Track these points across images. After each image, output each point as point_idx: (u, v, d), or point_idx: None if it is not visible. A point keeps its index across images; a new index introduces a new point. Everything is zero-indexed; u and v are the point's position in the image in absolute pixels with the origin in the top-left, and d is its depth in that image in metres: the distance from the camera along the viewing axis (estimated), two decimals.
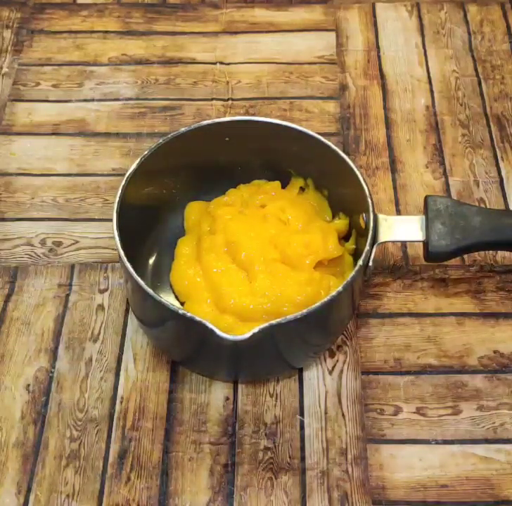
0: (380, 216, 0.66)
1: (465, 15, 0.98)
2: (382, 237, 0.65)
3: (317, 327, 0.64)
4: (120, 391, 0.67)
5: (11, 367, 0.69)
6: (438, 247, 0.66)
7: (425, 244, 0.67)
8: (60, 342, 0.70)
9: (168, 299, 0.68)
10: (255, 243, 0.68)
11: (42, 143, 0.86)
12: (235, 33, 0.97)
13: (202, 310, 0.66)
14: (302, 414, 0.66)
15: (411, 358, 0.69)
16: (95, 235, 0.78)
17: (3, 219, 0.79)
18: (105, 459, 0.64)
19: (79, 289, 0.74)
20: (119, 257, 0.62)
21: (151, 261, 0.73)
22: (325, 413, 0.66)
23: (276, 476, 0.63)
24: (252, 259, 0.67)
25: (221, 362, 0.66)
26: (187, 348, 0.66)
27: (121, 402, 0.67)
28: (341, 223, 0.72)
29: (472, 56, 0.94)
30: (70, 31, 0.97)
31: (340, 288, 0.60)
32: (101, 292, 0.74)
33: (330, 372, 0.69)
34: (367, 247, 0.63)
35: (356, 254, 0.70)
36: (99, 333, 0.71)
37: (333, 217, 0.73)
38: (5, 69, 0.92)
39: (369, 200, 0.65)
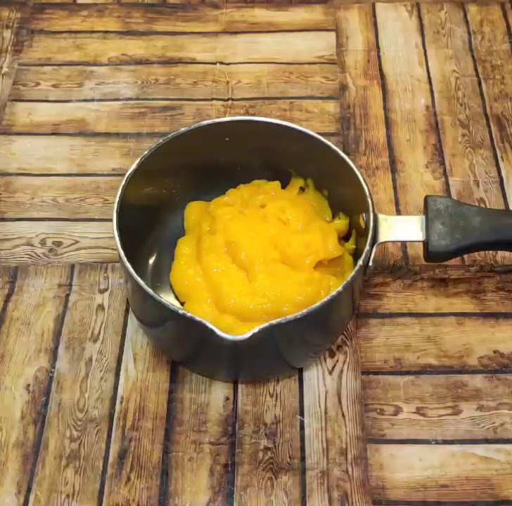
0: (380, 216, 0.66)
1: (465, 15, 0.98)
2: (382, 237, 0.65)
3: (317, 327, 0.64)
4: (120, 391, 0.67)
5: (11, 367, 0.69)
6: (438, 247, 0.66)
7: (425, 244, 0.67)
8: (60, 342, 0.70)
9: (168, 299, 0.68)
10: (255, 243, 0.68)
11: (42, 143, 0.86)
12: (235, 33, 0.97)
13: (202, 310, 0.66)
14: (302, 414, 0.66)
15: (411, 358, 0.69)
16: (95, 235, 0.78)
17: (3, 219, 0.79)
18: (105, 459, 0.64)
19: (79, 289, 0.74)
20: (119, 257, 0.62)
21: (151, 261, 0.73)
22: (325, 413, 0.66)
23: (276, 476, 0.63)
24: (252, 259, 0.67)
25: (221, 362, 0.66)
26: (187, 348, 0.66)
27: (121, 402, 0.67)
28: (341, 223, 0.72)
29: (472, 56, 0.94)
30: (70, 31, 0.97)
31: (340, 288, 0.60)
32: (101, 292, 0.74)
33: (330, 372, 0.69)
34: (367, 247, 0.63)
35: (356, 254, 0.70)
36: (99, 333, 0.71)
37: (333, 217, 0.73)
38: (5, 69, 0.92)
39: (369, 200, 0.65)
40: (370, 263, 0.63)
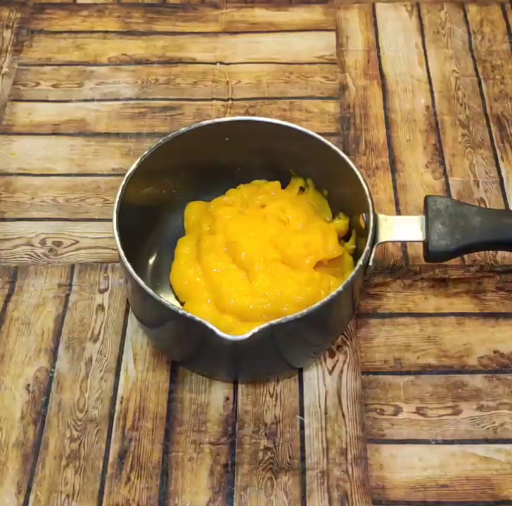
0: (380, 216, 0.66)
1: (465, 15, 0.98)
2: (382, 237, 0.65)
3: (317, 327, 0.64)
4: (120, 391, 0.67)
5: (11, 367, 0.69)
6: (438, 247, 0.66)
7: (425, 244, 0.67)
8: (60, 342, 0.70)
9: (168, 299, 0.68)
10: (255, 243, 0.68)
11: (42, 143, 0.86)
12: (235, 33, 0.97)
13: (202, 310, 0.66)
14: (302, 414, 0.66)
15: (411, 358, 0.69)
16: (95, 235, 0.78)
17: (3, 219, 0.79)
18: (105, 459, 0.64)
19: (79, 289, 0.74)
20: (119, 257, 0.62)
21: (151, 261, 0.73)
22: (325, 413, 0.66)
23: (276, 476, 0.63)
24: (252, 259, 0.67)
25: (221, 362, 0.66)
26: (187, 348, 0.66)
27: (121, 402, 0.67)
28: (341, 223, 0.72)
29: (472, 56, 0.94)
30: (70, 31, 0.97)
31: (340, 288, 0.60)
32: (101, 291, 0.74)
33: (330, 372, 0.69)
34: (367, 247, 0.63)
35: (356, 254, 0.70)
36: (99, 333, 0.71)
37: (333, 217, 0.73)
38: (5, 69, 0.92)
39: (369, 200, 0.65)
40: (370, 263, 0.63)
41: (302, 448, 0.64)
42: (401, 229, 0.67)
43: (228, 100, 0.89)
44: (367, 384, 0.68)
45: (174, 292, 0.70)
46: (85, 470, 0.63)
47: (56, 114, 0.88)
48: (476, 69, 0.92)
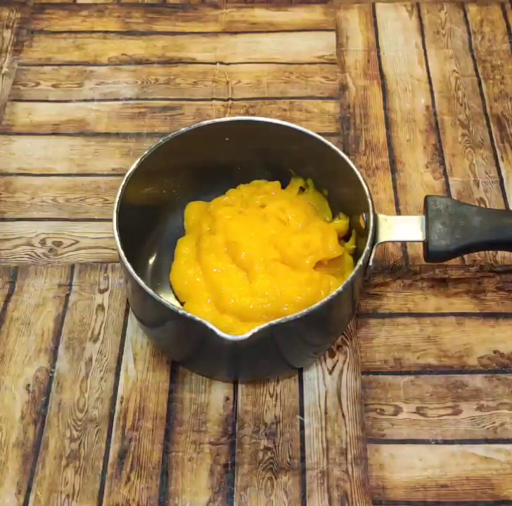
0: (380, 216, 0.66)
1: (465, 15, 0.98)
2: (382, 237, 0.65)
3: (317, 327, 0.64)
4: (120, 391, 0.67)
5: (11, 367, 0.69)
6: (438, 247, 0.66)
7: (425, 244, 0.67)
8: (60, 342, 0.70)
9: (168, 299, 0.68)
10: (255, 243, 0.68)
11: (42, 143, 0.86)
12: (235, 33, 0.97)
13: (202, 310, 0.66)
14: (302, 414, 0.66)
15: (411, 358, 0.69)
16: (95, 235, 0.78)
17: (3, 219, 0.79)
18: (105, 459, 0.64)
19: (79, 289, 0.74)
20: (119, 257, 0.62)
21: (151, 261, 0.73)
22: (325, 413, 0.66)
23: (276, 476, 0.63)
24: (252, 259, 0.67)
25: (221, 362, 0.66)
26: (187, 348, 0.66)
27: (121, 402, 0.67)
28: (341, 223, 0.72)
29: (472, 56, 0.94)
30: (70, 31, 0.97)
31: (340, 288, 0.60)
32: (101, 291, 0.74)
33: (330, 372, 0.69)
34: (367, 247, 0.63)
35: (356, 254, 0.70)
36: (99, 333, 0.71)
37: (333, 217, 0.73)
38: (5, 69, 0.92)
39: (369, 200, 0.65)
40: (371, 263, 0.63)
41: (302, 448, 0.64)
42: (401, 229, 0.67)
43: (228, 100, 0.89)
44: (367, 384, 0.68)
45: (174, 292, 0.70)
46: (85, 470, 0.63)
47: (56, 114, 0.88)
48: (476, 69, 0.92)
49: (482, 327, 0.71)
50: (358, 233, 0.70)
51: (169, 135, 0.69)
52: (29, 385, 0.68)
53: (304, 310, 0.58)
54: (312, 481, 0.63)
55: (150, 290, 0.59)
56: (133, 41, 0.96)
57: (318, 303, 0.59)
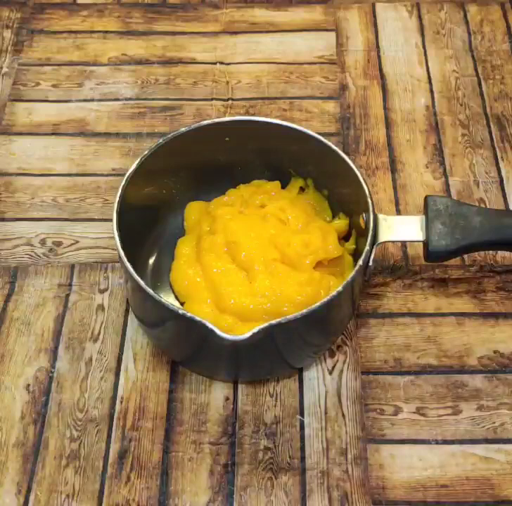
0: (380, 216, 0.66)
1: (465, 15, 0.98)
2: (382, 237, 0.65)
3: (317, 327, 0.64)
4: (120, 391, 0.67)
5: (11, 367, 0.69)
6: (438, 247, 0.66)
7: (425, 244, 0.67)
8: (60, 342, 0.70)
9: (168, 299, 0.68)
10: (255, 243, 0.68)
11: (42, 143, 0.86)
12: (235, 33, 0.97)
13: (202, 311, 0.66)
14: (302, 414, 0.66)
15: (411, 358, 0.69)
16: (95, 235, 0.78)
17: (3, 219, 0.79)
18: (105, 459, 0.64)
19: (79, 289, 0.74)
20: (119, 257, 0.62)
21: (151, 261, 0.73)
22: (325, 413, 0.66)
23: (276, 476, 0.63)
24: (252, 259, 0.67)
25: (221, 362, 0.66)
26: (187, 348, 0.66)
27: (121, 402, 0.67)
28: (341, 223, 0.72)
29: (472, 56, 0.94)
30: (70, 31, 0.97)
31: (340, 288, 0.60)
32: (101, 291, 0.74)
33: (330, 372, 0.69)
34: (367, 247, 0.63)
35: (356, 254, 0.70)
36: (99, 333, 0.71)
37: (333, 217, 0.73)
38: (5, 69, 0.92)
39: (369, 200, 0.65)
40: (371, 263, 0.63)
41: (302, 448, 0.64)
42: (401, 229, 0.67)
43: (228, 100, 0.89)
44: (367, 384, 0.68)
45: (174, 292, 0.70)
46: (85, 470, 0.63)
47: (56, 114, 0.88)
48: (476, 69, 0.92)
49: (482, 327, 0.71)
50: (358, 233, 0.70)
51: (169, 135, 0.69)
52: (29, 385, 0.68)
53: (304, 311, 0.58)
54: (312, 481, 0.63)
55: (150, 290, 0.59)
56: (133, 41, 0.96)
57: (318, 303, 0.59)
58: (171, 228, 0.74)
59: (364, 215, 0.66)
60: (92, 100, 0.90)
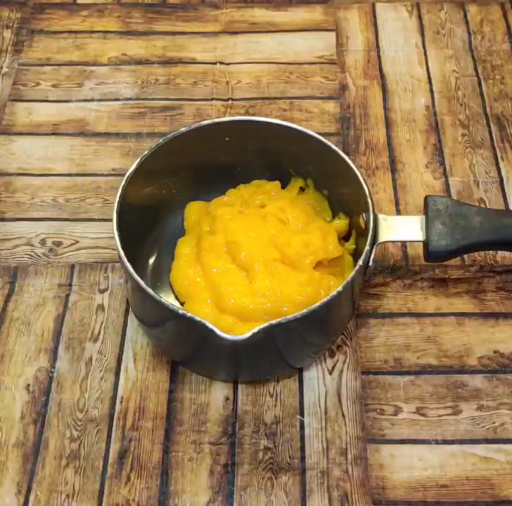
0: (380, 216, 0.66)
1: (465, 15, 0.98)
2: (382, 237, 0.65)
3: (317, 327, 0.64)
4: (120, 391, 0.67)
5: (11, 367, 0.69)
6: (438, 247, 0.66)
7: (425, 244, 0.67)
8: (60, 342, 0.70)
9: (168, 299, 0.68)
10: (255, 243, 0.68)
11: (42, 143, 0.86)
12: (235, 33, 0.97)
13: (202, 311, 0.66)
14: (302, 414, 0.66)
15: (411, 358, 0.69)
16: (95, 235, 0.78)
17: (3, 219, 0.79)
18: (105, 459, 0.64)
19: (79, 289, 0.74)
20: (119, 257, 0.62)
21: (151, 261, 0.73)
22: (325, 413, 0.66)
23: (276, 476, 0.63)
24: (252, 259, 0.67)
25: (221, 362, 0.66)
26: (187, 348, 0.66)
27: (121, 402, 0.67)
28: (341, 223, 0.72)
29: (472, 56, 0.94)
30: (70, 31, 0.97)
31: (339, 288, 0.60)
32: (101, 291, 0.74)
33: (330, 372, 0.69)
34: (367, 247, 0.63)
35: (356, 254, 0.70)
36: (99, 333, 0.71)
37: (333, 217, 0.73)
38: (5, 69, 0.92)
39: (369, 200, 0.65)
40: (371, 263, 0.63)
41: (302, 448, 0.64)
42: (401, 229, 0.67)
43: (228, 100, 0.89)
44: (367, 384, 0.68)
45: (174, 292, 0.70)
46: (85, 470, 0.63)
47: (56, 114, 0.88)
48: (476, 69, 0.92)
49: (482, 327, 0.71)
50: (358, 233, 0.70)
51: (169, 135, 0.69)
52: (29, 385, 0.68)
53: (304, 311, 0.58)
54: (312, 481, 0.63)
55: (150, 290, 0.59)
56: (133, 41, 0.96)
57: (318, 303, 0.59)
58: (171, 228, 0.74)
59: (364, 215, 0.66)
60: (92, 100, 0.90)
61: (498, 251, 0.76)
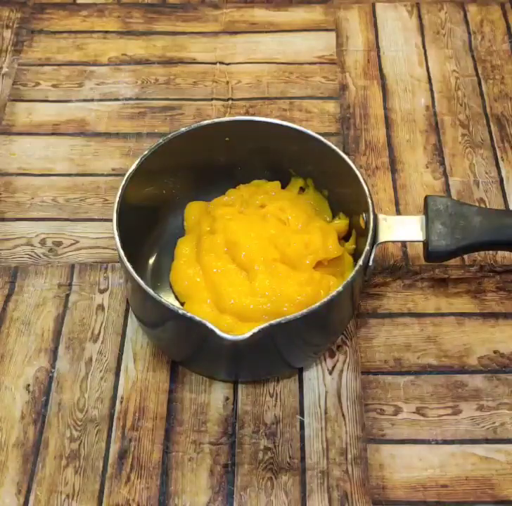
0: (380, 216, 0.66)
1: (465, 15, 0.98)
2: (382, 237, 0.65)
3: (317, 327, 0.64)
4: (120, 391, 0.67)
5: (11, 367, 0.69)
6: (438, 247, 0.66)
7: (425, 244, 0.67)
8: (60, 342, 0.70)
9: (168, 299, 0.68)
10: (255, 243, 0.68)
11: (42, 143, 0.86)
12: (235, 33, 0.97)
13: (202, 311, 0.66)
14: (302, 414, 0.66)
15: (411, 358, 0.69)
16: (95, 235, 0.78)
17: (3, 219, 0.79)
18: (105, 459, 0.64)
19: (79, 289, 0.74)
20: (119, 257, 0.62)
21: (151, 261, 0.73)
22: (325, 413, 0.66)
23: (276, 476, 0.63)
24: (252, 259, 0.67)
25: (221, 362, 0.66)
26: (187, 348, 0.66)
27: (121, 402, 0.67)
28: (341, 223, 0.72)
29: (472, 56, 0.94)
30: (70, 31, 0.97)
31: (340, 288, 0.60)
32: (101, 291, 0.74)
33: (330, 372, 0.69)
34: (367, 247, 0.63)
35: (356, 254, 0.70)
36: (99, 333, 0.71)
37: (333, 217, 0.73)
38: (5, 69, 0.92)
39: (369, 200, 0.65)
40: (371, 263, 0.63)
41: (302, 448, 0.64)
42: (401, 229, 0.67)
43: (228, 100, 0.89)
44: (367, 384, 0.68)
45: (174, 292, 0.70)
46: (85, 470, 0.63)
47: (56, 114, 0.88)
48: (476, 69, 0.92)
49: (482, 327, 0.71)
50: (358, 233, 0.70)
51: (169, 135, 0.69)
52: (29, 385, 0.68)
53: (304, 310, 0.58)
54: (312, 481, 0.63)
55: (150, 290, 0.59)
56: (133, 41, 0.96)
57: (318, 303, 0.59)
58: (171, 228, 0.74)
59: (364, 215, 0.66)
60: (92, 100, 0.90)
61: (498, 251, 0.76)
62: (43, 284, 0.74)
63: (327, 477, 0.63)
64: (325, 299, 0.59)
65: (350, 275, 0.61)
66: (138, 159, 0.67)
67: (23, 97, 0.90)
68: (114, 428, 0.65)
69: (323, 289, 0.66)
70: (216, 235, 0.69)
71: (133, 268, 0.61)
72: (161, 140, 0.68)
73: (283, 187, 0.74)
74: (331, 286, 0.67)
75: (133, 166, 0.67)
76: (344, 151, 0.78)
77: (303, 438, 0.65)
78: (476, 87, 0.91)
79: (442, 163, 0.84)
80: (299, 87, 0.91)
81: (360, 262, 0.62)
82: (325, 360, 0.69)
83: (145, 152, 0.68)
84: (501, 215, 0.69)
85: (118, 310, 0.72)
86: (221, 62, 0.93)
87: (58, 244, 0.77)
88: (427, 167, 0.83)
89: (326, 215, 0.73)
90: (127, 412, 0.66)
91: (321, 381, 0.68)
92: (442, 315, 0.72)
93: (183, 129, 0.70)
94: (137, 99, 0.90)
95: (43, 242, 0.77)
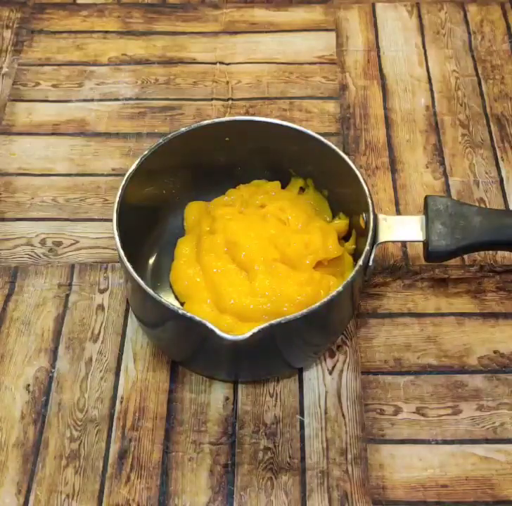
0: (380, 216, 0.66)
1: (465, 15, 0.98)
2: (382, 237, 0.65)
3: (317, 327, 0.64)
4: (120, 391, 0.67)
5: (11, 367, 0.69)
6: (438, 247, 0.66)
7: (425, 244, 0.67)
8: (60, 342, 0.70)
9: (168, 299, 0.68)
10: (255, 243, 0.68)
11: (42, 143, 0.86)
12: (235, 33, 0.97)
13: (202, 310, 0.66)
14: (302, 414, 0.66)
15: (411, 358, 0.69)
16: (95, 235, 0.78)
17: (3, 219, 0.79)
18: (105, 459, 0.64)
19: (79, 289, 0.74)
20: (119, 257, 0.62)
21: (151, 261, 0.73)
22: (325, 413, 0.66)
23: (276, 476, 0.63)
24: (252, 259, 0.67)
25: (221, 362, 0.66)
26: (187, 348, 0.66)
27: (121, 402, 0.67)
28: (341, 223, 0.72)
29: (472, 56, 0.94)
30: (70, 31, 0.97)
31: (340, 288, 0.60)
32: (101, 291, 0.74)
33: (330, 372, 0.69)
34: (367, 247, 0.63)
35: (356, 254, 0.70)
36: (99, 333, 0.71)
37: (333, 217, 0.73)
38: (5, 69, 0.92)
39: (369, 200, 0.65)
40: (371, 263, 0.63)
41: (302, 448, 0.64)
42: (401, 229, 0.67)
43: (228, 100, 0.89)
44: (367, 384, 0.68)
45: (174, 292, 0.70)
46: (85, 470, 0.63)
47: (56, 114, 0.88)
48: (476, 69, 0.92)
49: (482, 327, 0.71)
50: (358, 233, 0.70)
51: (169, 135, 0.69)
52: (29, 385, 0.68)
53: (304, 310, 0.58)
54: (312, 481, 0.63)
55: (150, 290, 0.59)
56: (133, 41, 0.96)
57: (318, 303, 0.59)
58: (171, 228, 0.74)
59: (364, 215, 0.66)
60: (92, 100, 0.90)
61: (498, 251, 0.76)
62: (43, 284, 0.74)
63: (327, 477, 0.63)
64: (325, 299, 0.59)
65: (350, 275, 0.61)
66: (138, 159, 0.67)
67: (23, 97, 0.90)
68: (114, 428, 0.65)
69: (323, 289, 0.66)
70: (216, 235, 0.69)
71: (133, 268, 0.61)
72: (161, 140, 0.68)
73: (283, 187, 0.74)
74: (331, 286, 0.67)
75: (133, 166, 0.67)
76: (344, 151, 0.78)
77: (303, 438, 0.65)
78: (476, 87, 0.91)
79: (442, 163, 0.84)
80: (299, 87, 0.91)
81: (360, 262, 0.62)
82: (325, 360, 0.69)
83: (145, 152, 0.68)
84: (501, 215, 0.69)
85: (118, 310, 0.72)
86: (221, 62, 0.93)
87: (58, 244, 0.77)
88: (427, 167, 0.83)
89: (326, 215, 0.73)
90: (127, 412, 0.66)
91: (321, 381, 0.68)
92: (442, 315, 0.72)
93: (183, 129, 0.70)
94: (137, 99, 0.90)
95: (43, 242, 0.77)
